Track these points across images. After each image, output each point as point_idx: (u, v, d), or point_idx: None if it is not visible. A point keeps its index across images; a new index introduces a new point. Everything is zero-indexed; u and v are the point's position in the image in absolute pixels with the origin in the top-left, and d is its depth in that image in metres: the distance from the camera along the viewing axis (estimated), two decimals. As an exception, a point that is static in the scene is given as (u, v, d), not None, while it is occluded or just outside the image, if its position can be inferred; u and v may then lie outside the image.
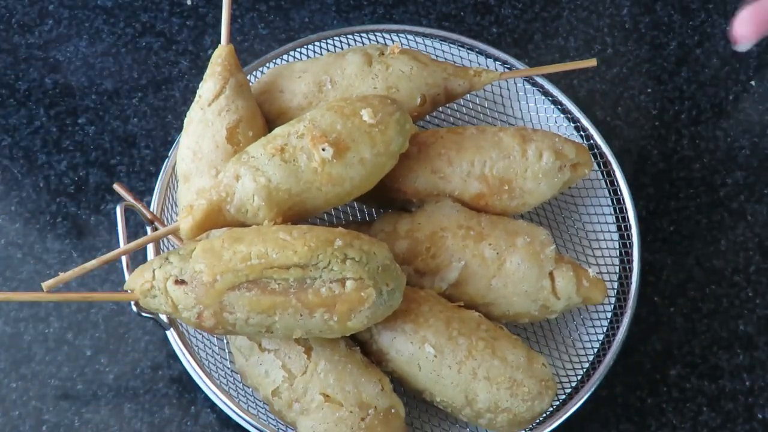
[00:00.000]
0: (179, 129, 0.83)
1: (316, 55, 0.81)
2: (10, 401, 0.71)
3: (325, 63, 0.73)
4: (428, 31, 0.83)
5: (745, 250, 0.82)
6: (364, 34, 0.82)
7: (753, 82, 0.90)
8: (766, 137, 0.87)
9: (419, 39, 0.83)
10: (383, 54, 0.73)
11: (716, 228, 0.83)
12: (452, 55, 0.82)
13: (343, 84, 0.72)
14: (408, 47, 0.80)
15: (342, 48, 0.82)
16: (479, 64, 0.82)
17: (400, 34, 0.82)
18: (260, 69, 0.79)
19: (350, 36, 0.82)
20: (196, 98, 0.70)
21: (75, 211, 0.79)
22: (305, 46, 0.81)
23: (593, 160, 0.76)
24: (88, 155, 0.81)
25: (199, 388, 0.72)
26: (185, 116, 0.83)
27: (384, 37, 0.82)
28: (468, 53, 0.82)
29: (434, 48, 0.82)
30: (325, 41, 0.82)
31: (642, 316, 0.77)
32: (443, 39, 0.82)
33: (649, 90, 0.89)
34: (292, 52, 0.81)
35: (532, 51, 0.90)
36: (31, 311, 0.75)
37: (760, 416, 0.75)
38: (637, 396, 0.75)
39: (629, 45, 0.91)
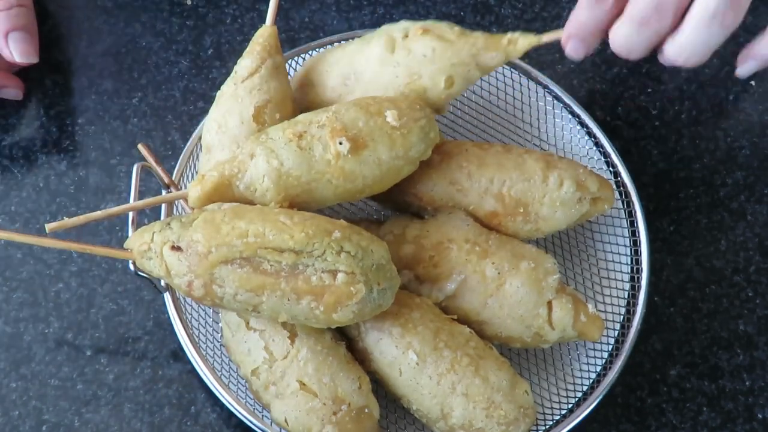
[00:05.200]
0: (179, 129, 0.83)
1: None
2: (10, 401, 0.71)
3: (352, 52, 0.72)
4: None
5: (745, 250, 0.82)
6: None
7: (753, 82, 0.90)
8: (766, 137, 0.87)
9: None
10: (407, 36, 0.70)
11: (716, 228, 0.83)
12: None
13: (366, 76, 0.70)
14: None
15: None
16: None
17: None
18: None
19: (352, 40, 0.81)
20: (232, 73, 0.70)
21: (75, 211, 0.79)
22: (307, 52, 0.81)
23: (616, 197, 0.75)
24: (88, 155, 0.81)
25: (199, 388, 0.72)
26: (185, 116, 0.84)
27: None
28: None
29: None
30: (330, 45, 0.81)
31: (642, 315, 0.77)
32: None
33: (649, 90, 0.89)
34: (296, 58, 0.80)
35: (532, 51, 0.90)
36: (31, 311, 0.75)
37: (760, 416, 0.75)
38: (637, 396, 0.75)
39: (629, 45, 0.91)
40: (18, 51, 0.79)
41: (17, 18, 0.79)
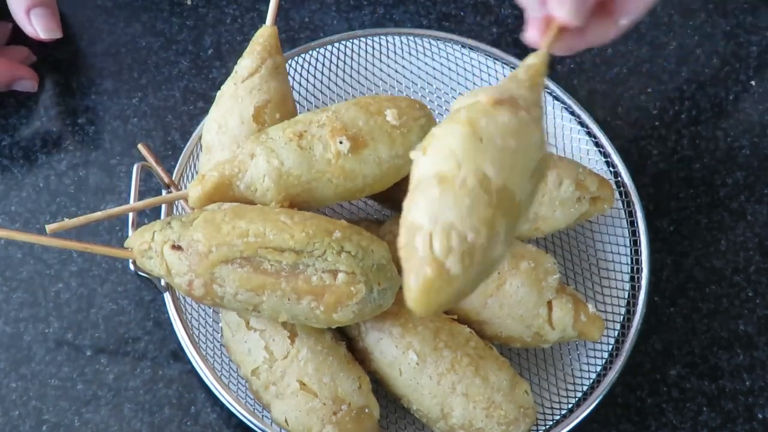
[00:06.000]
0: (179, 129, 0.83)
1: (319, 55, 0.81)
2: (10, 401, 0.71)
3: None
4: (428, 32, 0.83)
5: (745, 250, 0.82)
6: (364, 38, 0.82)
7: (753, 82, 0.90)
8: (766, 137, 0.87)
9: (419, 39, 0.83)
10: None
11: (716, 228, 0.83)
12: (452, 55, 0.82)
13: None
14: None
15: (345, 53, 0.82)
16: (479, 63, 0.82)
17: (400, 35, 0.82)
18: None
19: (353, 40, 0.82)
20: (232, 73, 0.70)
21: (75, 211, 0.79)
22: (307, 52, 0.81)
23: (616, 197, 0.75)
24: (88, 155, 0.81)
25: (199, 388, 0.72)
26: (185, 116, 0.84)
27: (386, 39, 0.82)
28: (468, 53, 0.82)
29: (434, 48, 0.82)
30: (330, 45, 0.81)
31: (642, 315, 0.77)
32: (443, 39, 0.82)
33: (649, 90, 0.89)
34: (296, 57, 0.80)
35: (532, 51, 0.90)
36: (31, 311, 0.75)
37: (760, 416, 0.75)
38: (637, 396, 0.75)
39: (629, 45, 0.91)
40: (41, 27, 0.79)
41: None
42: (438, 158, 0.46)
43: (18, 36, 0.82)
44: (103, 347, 0.74)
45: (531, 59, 0.54)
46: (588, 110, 0.80)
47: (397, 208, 0.74)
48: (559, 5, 0.55)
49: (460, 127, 0.47)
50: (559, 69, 0.89)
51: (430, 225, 0.44)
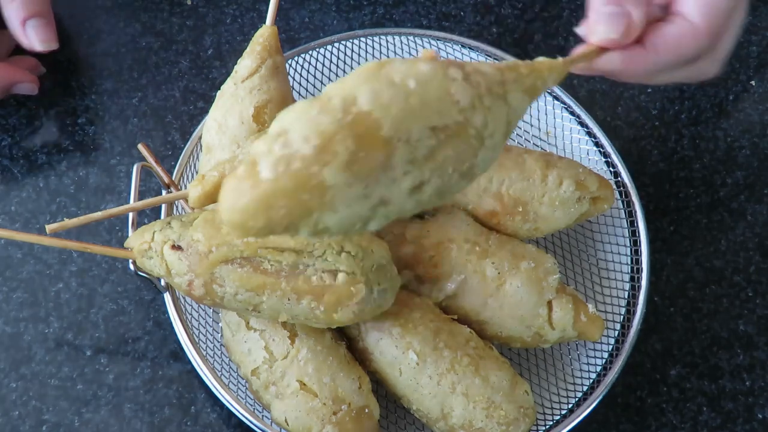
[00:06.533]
0: (179, 129, 0.83)
1: (319, 55, 0.81)
2: (10, 401, 0.71)
3: None
4: (428, 32, 0.83)
5: (745, 250, 0.82)
6: (364, 38, 0.82)
7: (753, 82, 0.90)
8: (766, 137, 0.87)
9: (419, 39, 0.83)
10: None
11: (716, 228, 0.83)
12: (452, 55, 0.82)
13: None
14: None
15: (345, 53, 0.82)
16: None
17: (400, 35, 0.82)
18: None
19: (353, 40, 0.82)
20: (232, 73, 0.70)
21: (75, 211, 0.79)
22: (307, 52, 0.81)
23: (616, 197, 0.75)
24: (88, 155, 0.81)
25: (199, 388, 0.72)
26: (185, 116, 0.84)
27: (386, 40, 0.82)
28: (468, 53, 0.82)
29: (434, 48, 0.82)
30: (330, 45, 0.81)
31: (642, 315, 0.77)
32: (443, 39, 0.82)
33: (649, 90, 0.89)
34: (296, 57, 0.80)
35: (532, 51, 0.90)
36: (31, 311, 0.75)
37: (760, 416, 0.75)
38: (637, 396, 0.75)
39: (629, 45, 0.91)
40: (38, 38, 0.77)
41: (33, 4, 0.77)
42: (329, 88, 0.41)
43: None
44: (103, 347, 0.74)
45: (540, 59, 0.50)
46: (588, 110, 0.80)
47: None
48: (594, 31, 0.55)
49: (368, 64, 0.41)
50: (559, 69, 0.89)
51: (272, 132, 0.40)
